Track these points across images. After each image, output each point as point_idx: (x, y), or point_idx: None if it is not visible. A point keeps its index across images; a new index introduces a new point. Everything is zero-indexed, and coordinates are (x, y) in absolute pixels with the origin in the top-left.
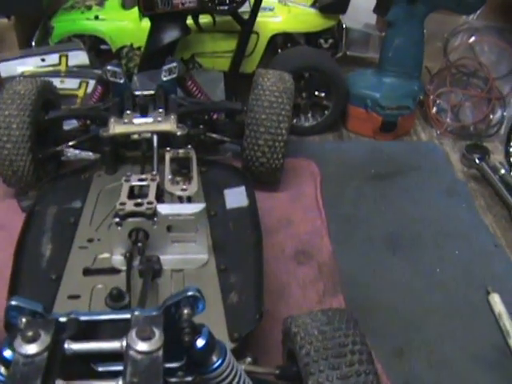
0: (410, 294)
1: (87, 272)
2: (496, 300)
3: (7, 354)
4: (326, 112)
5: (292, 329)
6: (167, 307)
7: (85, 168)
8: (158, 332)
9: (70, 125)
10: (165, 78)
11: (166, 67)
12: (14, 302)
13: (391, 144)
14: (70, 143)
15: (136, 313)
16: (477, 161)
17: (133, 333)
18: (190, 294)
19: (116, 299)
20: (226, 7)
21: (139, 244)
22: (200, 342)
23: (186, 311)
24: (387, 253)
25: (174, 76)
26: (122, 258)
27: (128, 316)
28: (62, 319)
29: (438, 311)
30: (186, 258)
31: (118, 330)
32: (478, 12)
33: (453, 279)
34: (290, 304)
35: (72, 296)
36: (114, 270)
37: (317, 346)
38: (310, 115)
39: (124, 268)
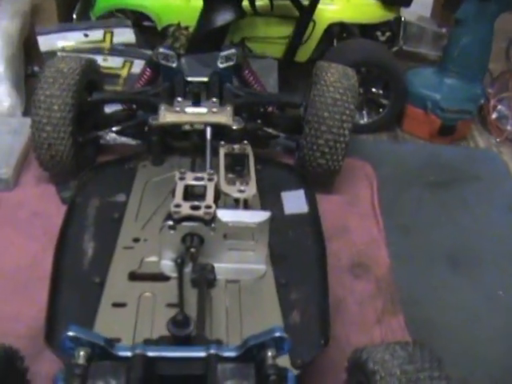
0: (472, 317)
1: (133, 276)
2: None
3: None
4: (382, 110)
5: (369, 364)
6: (249, 348)
7: (129, 157)
8: None
9: (111, 108)
10: (221, 65)
11: (223, 53)
12: (71, 333)
13: (449, 149)
14: (114, 128)
15: (212, 351)
16: None
17: None
18: (276, 335)
19: (181, 326)
20: None
21: (192, 250)
22: None
23: (270, 353)
24: (447, 270)
25: (232, 63)
26: (172, 263)
27: (203, 354)
28: (127, 354)
29: (502, 339)
30: (243, 267)
31: (186, 366)
32: None
33: None
34: (345, 321)
35: (117, 304)
36: (162, 277)
37: None
38: (365, 112)
39: (174, 275)
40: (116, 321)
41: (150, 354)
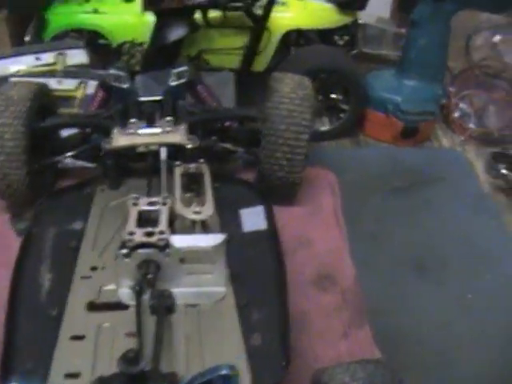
0: (440, 323)
1: (92, 307)
2: None
3: None
4: (342, 116)
5: None
6: None
7: (86, 182)
8: None
9: (68, 131)
10: (173, 83)
11: (174, 71)
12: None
13: (412, 151)
14: (69, 154)
15: None
16: (503, 171)
17: None
18: (223, 373)
19: (131, 364)
20: (241, 3)
21: (149, 276)
22: None
23: None
24: (414, 275)
25: (184, 81)
26: (130, 291)
27: None
28: None
29: (471, 344)
30: (202, 291)
31: None
32: None
33: (486, 307)
34: (312, 335)
35: (76, 337)
36: (121, 306)
37: None
38: (325, 119)
39: (132, 303)
40: (75, 354)
41: None
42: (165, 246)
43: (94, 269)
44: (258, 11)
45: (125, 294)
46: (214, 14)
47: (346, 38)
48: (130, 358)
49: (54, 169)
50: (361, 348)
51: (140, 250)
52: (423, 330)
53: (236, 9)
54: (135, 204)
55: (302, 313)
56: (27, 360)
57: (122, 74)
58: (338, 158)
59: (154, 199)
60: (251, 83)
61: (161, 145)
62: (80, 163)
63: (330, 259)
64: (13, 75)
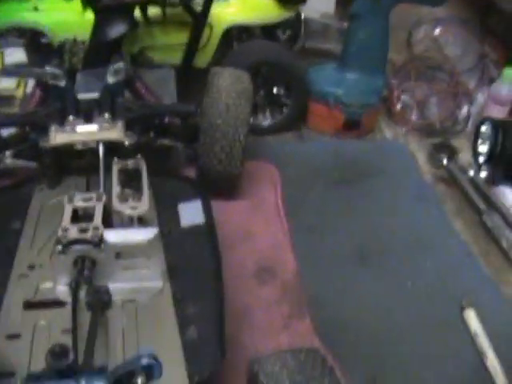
0: (381, 311)
1: (28, 305)
2: (471, 316)
3: None
4: (284, 110)
5: (260, 377)
6: (118, 377)
7: (24, 181)
8: None
9: (8, 130)
10: (111, 80)
11: (111, 68)
12: None
13: (355, 143)
14: (8, 152)
15: (82, 383)
16: (444, 162)
17: None
18: (144, 362)
19: (58, 357)
20: None
21: (85, 273)
22: None
23: (140, 381)
24: (355, 267)
25: (121, 77)
26: (66, 288)
27: None
28: None
29: (411, 330)
30: (138, 286)
31: None
32: None
33: (425, 294)
34: (252, 328)
35: (11, 335)
36: (58, 303)
37: None
38: (267, 113)
39: (69, 300)
40: (11, 353)
41: None
42: (99, 242)
43: (31, 267)
44: (198, 7)
45: (62, 291)
46: (154, 10)
47: (289, 32)
48: (57, 352)
49: None
50: (301, 339)
51: (75, 246)
52: (363, 319)
53: (174, 5)
54: (70, 201)
55: (243, 306)
56: None
57: (58, 71)
58: (281, 152)
59: (88, 195)
60: (193, 80)
61: (99, 142)
62: (20, 163)
63: (271, 253)
64: None
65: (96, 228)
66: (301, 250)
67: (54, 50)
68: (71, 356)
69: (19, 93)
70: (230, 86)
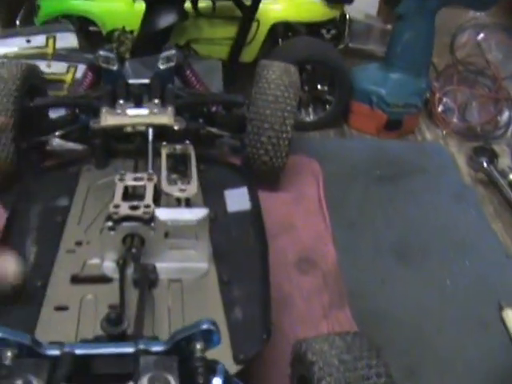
0: (419, 307)
1: (75, 280)
2: (510, 316)
3: None
4: (327, 107)
5: (308, 356)
6: (177, 342)
7: (72, 161)
8: (173, 380)
9: (57, 113)
10: (162, 67)
11: (163, 55)
12: None
13: (396, 143)
14: (57, 133)
15: (141, 346)
16: (484, 164)
17: (144, 381)
18: (204, 327)
19: (114, 324)
20: None
21: (133, 250)
22: (216, 382)
23: (198, 346)
24: (395, 262)
25: (172, 64)
26: (114, 265)
27: (131, 350)
28: (55, 353)
29: (449, 327)
30: (185, 266)
31: (119, 363)
32: None
33: (464, 292)
34: (293, 316)
35: (59, 307)
36: (104, 279)
37: (338, 378)
38: (311, 110)
39: (116, 276)
40: (58, 324)
41: (79, 351)
42: (150, 220)
43: (78, 243)
44: (247, 2)
45: (109, 267)
46: (203, 3)
47: (333, 32)
48: (113, 319)
49: (42, 150)
50: (341, 328)
51: (125, 223)
52: (401, 314)
53: None
54: (121, 179)
55: (284, 294)
56: (12, 328)
57: (111, 55)
58: (323, 148)
59: (139, 175)
60: (239, 74)
61: (148, 126)
62: (67, 145)
63: (312, 244)
64: (2, 57)
65: (147, 206)
66: (341, 244)
67: (101, 38)
68: (125, 323)
69: (68, 77)
70: (278, 78)
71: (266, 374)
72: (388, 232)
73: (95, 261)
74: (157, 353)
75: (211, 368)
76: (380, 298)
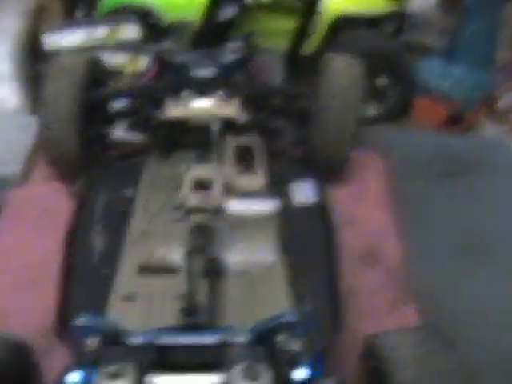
0: (487, 304)
1: (143, 270)
2: None
3: (73, 378)
4: (389, 101)
5: (382, 350)
6: (260, 332)
7: (136, 152)
8: (265, 370)
9: (118, 104)
10: (227, 58)
11: (229, 46)
12: (82, 321)
13: (457, 138)
14: (120, 124)
15: (224, 337)
16: None
17: (236, 371)
18: (288, 319)
19: (190, 314)
20: None
21: (201, 241)
22: (300, 374)
23: (281, 338)
24: (461, 258)
25: (238, 56)
26: (181, 255)
27: (214, 340)
28: (138, 341)
29: None
30: (252, 258)
31: (196, 352)
32: None
33: None
34: (357, 311)
35: (127, 297)
36: (172, 269)
37: (413, 372)
38: (372, 104)
39: (183, 267)
40: (126, 314)
41: (162, 341)
42: (218, 211)
43: (144, 234)
44: None
45: (176, 258)
46: None
47: (394, 25)
48: (189, 309)
49: (104, 140)
50: (406, 324)
51: (193, 215)
52: (468, 311)
53: None
54: (189, 170)
55: (348, 289)
56: (81, 316)
57: (176, 47)
58: (384, 142)
59: (207, 166)
60: (298, 66)
61: (213, 117)
62: (128, 136)
63: (376, 238)
64: (66, 48)
65: (216, 197)
66: (405, 239)
67: (161, 29)
68: (201, 314)
69: (130, 68)
70: (343, 71)
71: (330, 366)
72: (451, 228)
73: (162, 251)
74: (240, 344)
75: (294, 359)
76: (446, 295)
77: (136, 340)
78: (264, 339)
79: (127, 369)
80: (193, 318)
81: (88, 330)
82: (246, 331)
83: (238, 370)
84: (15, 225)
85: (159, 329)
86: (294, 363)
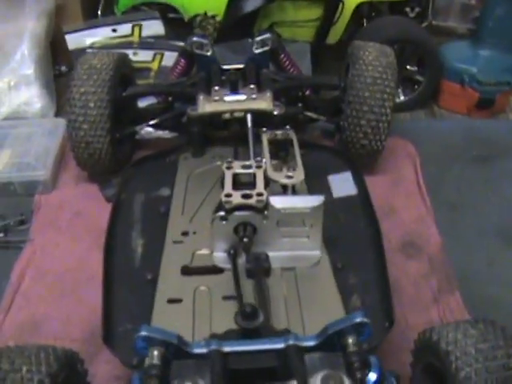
0: None
1: (186, 271)
2: None
3: None
4: (417, 87)
5: (441, 345)
6: (329, 336)
7: (169, 150)
8: (344, 379)
9: (144, 102)
10: (257, 51)
11: (258, 38)
12: (144, 333)
13: (488, 123)
14: (152, 122)
15: (291, 342)
16: None
17: (317, 380)
18: (358, 320)
19: (250, 318)
20: None
21: (245, 239)
22: (372, 377)
23: (351, 340)
24: (499, 245)
25: (267, 48)
26: (224, 255)
27: (281, 345)
28: (202, 351)
29: None
30: (298, 254)
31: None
32: None
33: None
34: (402, 302)
35: (172, 300)
36: (216, 269)
37: (477, 368)
38: (400, 90)
39: (227, 266)
40: (173, 317)
41: (227, 349)
42: (263, 208)
43: (185, 234)
44: None
45: (220, 257)
46: None
47: (417, 9)
48: (248, 313)
49: (133, 139)
50: (452, 314)
51: (237, 213)
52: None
53: None
54: (229, 167)
55: (391, 280)
56: (126, 322)
57: (204, 41)
58: (415, 129)
59: (247, 163)
60: (323, 55)
61: (247, 111)
62: (156, 134)
63: (416, 227)
64: (89, 47)
65: (260, 194)
66: (443, 226)
67: (182, 24)
68: (261, 318)
69: (155, 65)
70: (375, 59)
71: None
72: (490, 213)
73: (204, 251)
74: (308, 348)
75: (366, 362)
76: (488, 283)
77: (199, 350)
78: (332, 342)
79: (200, 382)
80: (252, 322)
81: (149, 342)
82: (313, 335)
83: (317, 379)
84: (48, 230)
85: (214, 335)
86: (367, 366)
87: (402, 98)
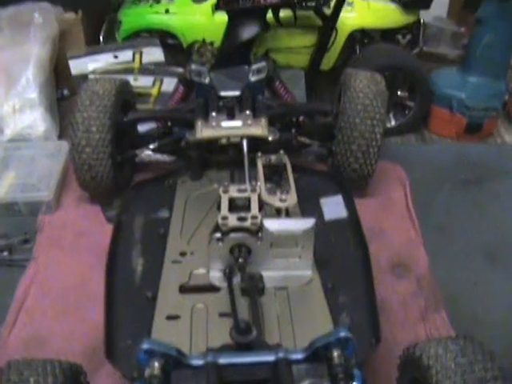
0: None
1: (184, 289)
2: None
3: None
4: (408, 112)
5: (423, 360)
6: (316, 349)
7: (167, 174)
8: None
9: (144, 127)
10: (253, 78)
11: (254, 67)
12: (147, 346)
13: (476, 147)
14: (151, 146)
15: (281, 355)
16: None
17: None
18: (342, 335)
19: (244, 333)
20: (313, 2)
21: (240, 260)
22: None
23: (336, 354)
24: (485, 265)
25: (263, 76)
26: (221, 274)
27: (272, 358)
28: (199, 362)
29: None
30: (290, 274)
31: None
32: None
33: None
34: (390, 321)
35: (171, 316)
36: (212, 288)
37: (456, 381)
38: (391, 115)
39: (223, 285)
40: (171, 333)
41: (222, 361)
42: (257, 230)
43: (183, 254)
44: (327, 11)
45: (216, 277)
46: (284, 13)
47: (409, 37)
48: (243, 329)
49: (133, 162)
50: (438, 332)
51: (233, 234)
52: (496, 317)
53: (308, 8)
54: (225, 191)
55: (380, 299)
56: (127, 337)
57: (202, 69)
58: (405, 153)
59: (243, 187)
60: (317, 82)
61: (243, 137)
62: (155, 158)
63: (404, 249)
64: (91, 72)
65: (255, 217)
66: (431, 248)
67: (181, 50)
68: (254, 333)
69: (155, 91)
70: (366, 87)
71: (367, 377)
72: (477, 235)
73: (201, 271)
74: (296, 361)
75: (350, 373)
76: (473, 302)
77: (196, 362)
78: (319, 355)
79: None
80: (246, 336)
81: (150, 355)
82: (302, 348)
83: None
84: (51, 249)
85: (210, 349)
86: (351, 377)
87: (393, 122)
